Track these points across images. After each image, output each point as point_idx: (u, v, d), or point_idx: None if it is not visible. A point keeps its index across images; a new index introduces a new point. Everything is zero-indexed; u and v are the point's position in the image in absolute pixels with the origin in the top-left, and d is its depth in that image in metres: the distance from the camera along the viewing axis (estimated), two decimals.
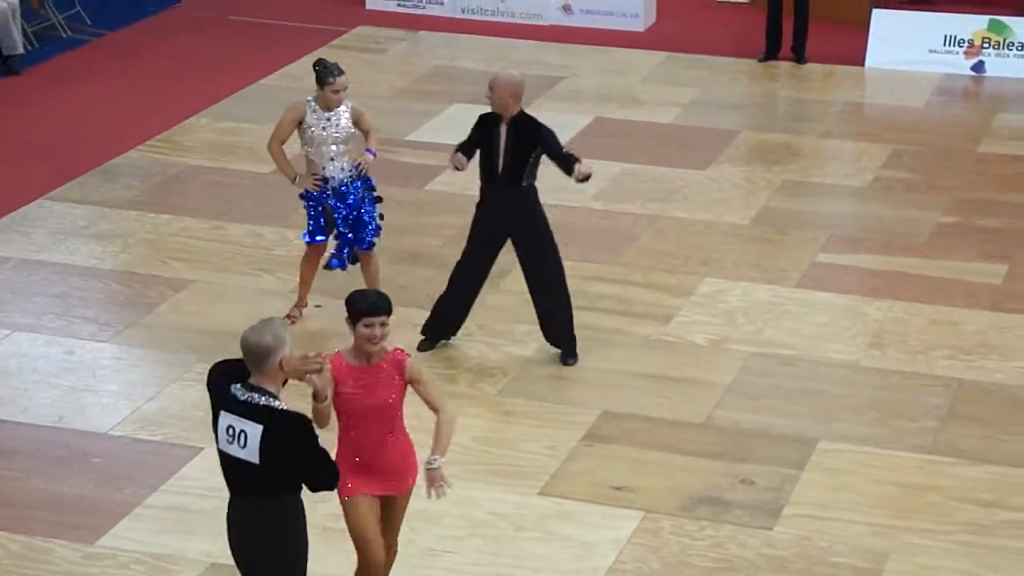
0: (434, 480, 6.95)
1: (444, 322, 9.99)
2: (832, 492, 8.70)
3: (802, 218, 11.83)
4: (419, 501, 7.24)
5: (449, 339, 10.00)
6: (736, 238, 11.51)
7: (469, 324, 10.27)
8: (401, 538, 7.99)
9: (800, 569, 8.05)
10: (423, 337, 9.98)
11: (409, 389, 7.02)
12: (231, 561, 8.00)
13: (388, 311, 6.96)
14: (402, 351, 7.07)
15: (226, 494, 8.52)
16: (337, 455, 6.92)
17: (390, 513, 7.18)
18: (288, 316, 10.20)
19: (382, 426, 6.98)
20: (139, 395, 9.52)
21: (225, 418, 6.45)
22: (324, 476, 6.52)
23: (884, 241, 11.46)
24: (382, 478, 7.07)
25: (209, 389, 6.61)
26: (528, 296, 9.89)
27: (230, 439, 6.43)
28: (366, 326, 6.92)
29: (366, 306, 6.94)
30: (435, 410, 7.06)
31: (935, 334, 10.26)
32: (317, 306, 10.46)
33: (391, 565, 7.25)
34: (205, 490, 8.59)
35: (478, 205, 9.76)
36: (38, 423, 9.22)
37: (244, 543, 6.54)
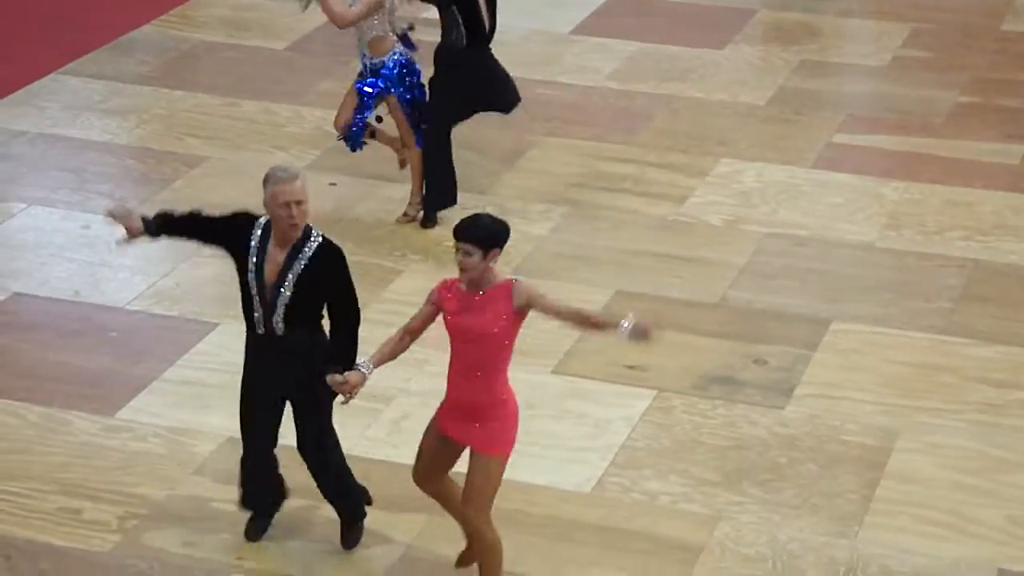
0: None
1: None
2: (844, 372, 8.75)
3: (819, 98, 11.77)
4: (436, 380, 7.26)
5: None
6: (752, 118, 11.46)
7: (485, 205, 10.26)
8: (414, 410, 8.06)
9: (811, 447, 8.11)
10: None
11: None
12: None
13: (474, 239, 6.50)
14: (511, 280, 6.63)
15: (240, 371, 8.62)
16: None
17: (470, 474, 6.69)
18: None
19: (474, 360, 6.59)
20: (154, 271, 9.55)
21: None
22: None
23: (901, 121, 11.41)
24: (459, 419, 6.67)
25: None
26: (544, 174, 9.87)
27: None
28: (455, 250, 6.58)
29: (455, 229, 6.57)
30: (577, 311, 6.71)
31: (951, 215, 10.25)
32: (332, 184, 10.46)
33: (479, 545, 6.77)
34: (221, 365, 8.65)
35: None
36: (55, 297, 9.27)
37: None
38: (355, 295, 6.92)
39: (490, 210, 10.17)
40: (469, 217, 6.65)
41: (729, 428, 8.25)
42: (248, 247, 6.83)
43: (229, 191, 10.41)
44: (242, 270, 6.87)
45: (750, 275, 9.64)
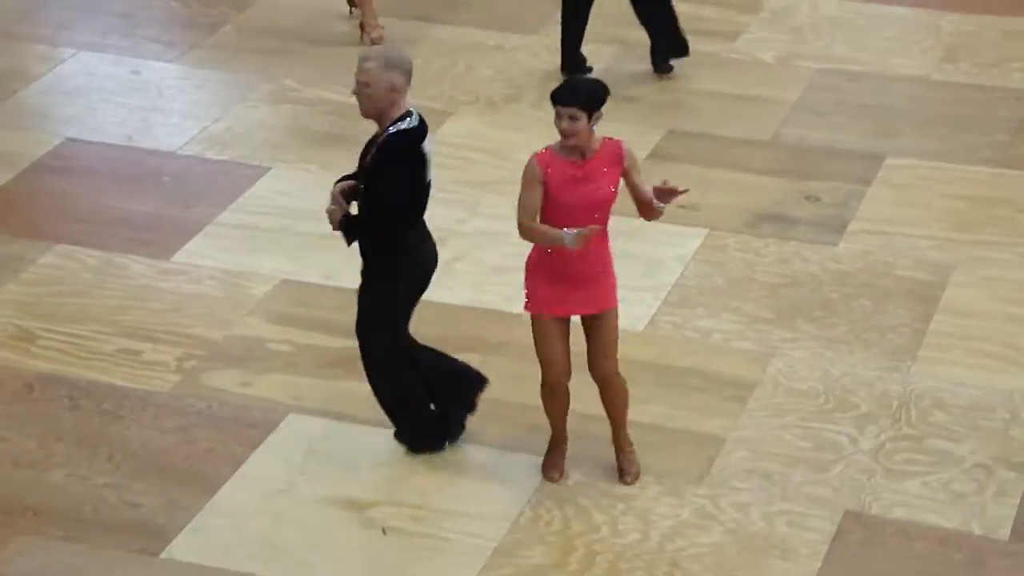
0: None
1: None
2: (898, 207, 8.71)
3: None
4: (489, 221, 7.29)
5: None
6: None
7: (535, 45, 10.22)
8: (467, 252, 8.10)
9: (863, 283, 8.10)
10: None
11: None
12: (301, 277, 8.17)
13: (579, 103, 6.29)
14: (618, 142, 6.48)
15: (295, 213, 8.67)
16: (529, 262, 6.58)
17: (597, 333, 6.56)
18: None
19: (596, 223, 6.42)
20: (205, 115, 9.56)
21: (427, 144, 6.55)
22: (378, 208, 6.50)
23: None
24: (573, 291, 6.49)
25: None
26: (592, 15, 9.79)
27: (430, 162, 6.56)
28: (557, 115, 6.34)
29: (555, 95, 6.34)
30: (649, 196, 6.47)
31: (1009, 47, 10.11)
32: (350, 10, 10.41)
33: (617, 394, 6.70)
34: (274, 209, 8.69)
35: None
36: (108, 142, 9.31)
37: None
38: (383, 200, 6.57)
39: (539, 50, 10.19)
40: (566, 82, 6.47)
41: (782, 265, 8.25)
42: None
43: (277, 34, 10.39)
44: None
45: (803, 111, 9.57)
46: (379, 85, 6.47)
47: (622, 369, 6.69)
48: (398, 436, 6.99)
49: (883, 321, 7.83)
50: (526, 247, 6.60)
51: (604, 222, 6.47)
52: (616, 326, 6.60)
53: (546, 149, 6.46)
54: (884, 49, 10.17)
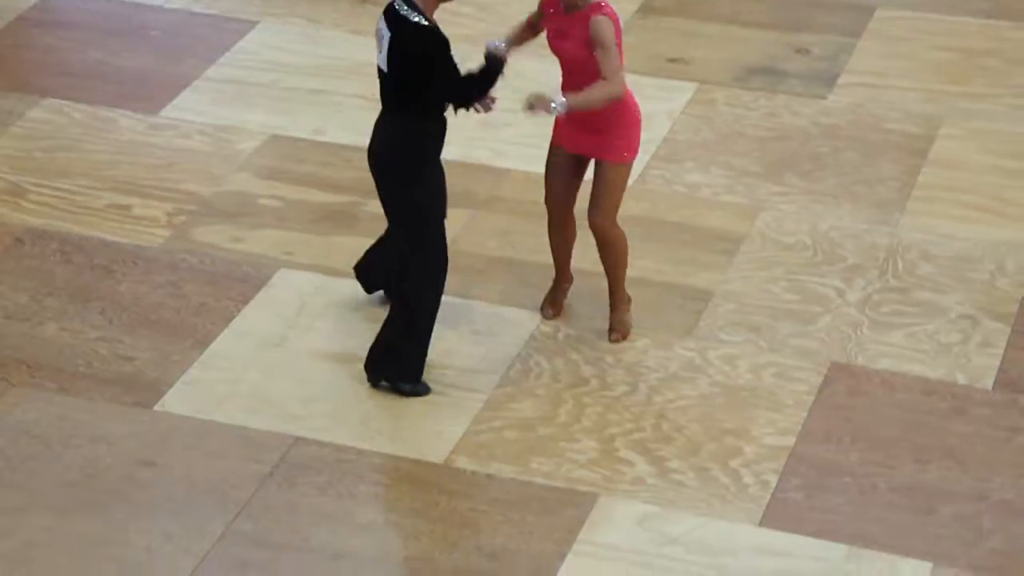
0: (539, 101, 6.25)
1: None
2: (888, 59, 8.69)
3: None
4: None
5: None
6: None
7: None
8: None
9: (853, 136, 8.11)
10: None
11: None
12: (290, 132, 8.16)
13: None
14: (602, 6, 6.31)
15: (284, 68, 8.64)
16: None
17: (594, 181, 6.61)
18: None
19: (579, 78, 6.37)
20: None
21: (379, 22, 6.29)
22: (453, 92, 6.28)
23: None
24: (575, 131, 6.55)
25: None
26: None
27: (378, 43, 6.31)
28: None
29: None
30: (597, 91, 6.29)
31: None
32: None
33: (608, 249, 6.71)
34: (262, 63, 8.66)
35: None
36: None
37: (375, 157, 6.45)
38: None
39: None
40: None
41: (771, 119, 8.25)
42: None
43: None
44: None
45: None
46: None
47: None
48: (404, 376, 6.62)
49: (872, 174, 7.86)
50: (515, 103, 6.59)
51: (582, 81, 6.37)
52: (612, 181, 6.58)
53: None
54: None
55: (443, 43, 6.24)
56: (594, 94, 6.28)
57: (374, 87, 8.43)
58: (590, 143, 6.58)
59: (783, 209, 7.62)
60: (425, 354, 6.58)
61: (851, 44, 8.80)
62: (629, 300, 6.89)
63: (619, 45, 6.37)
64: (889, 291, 7.15)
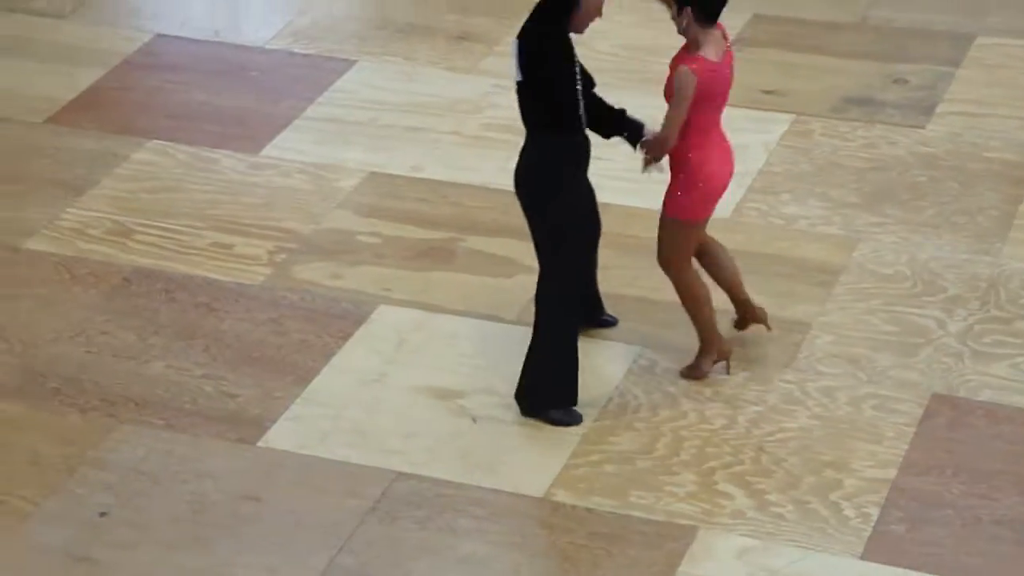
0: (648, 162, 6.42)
1: None
2: (988, 88, 8.64)
3: None
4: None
5: None
6: None
7: None
8: None
9: (952, 166, 8.07)
10: None
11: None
12: (389, 170, 8.26)
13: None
14: (696, 60, 6.23)
15: (381, 106, 8.74)
16: None
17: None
18: None
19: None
20: (291, 8, 9.62)
21: (512, 45, 6.31)
22: (560, 93, 6.16)
23: None
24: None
25: None
26: None
27: (513, 63, 6.30)
28: None
29: None
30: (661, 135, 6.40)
31: None
32: None
33: (669, 277, 6.71)
34: (360, 102, 8.76)
35: None
36: (196, 36, 9.40)
37: (515, 180, 6.39)
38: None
39: None
40: None
41: (868, 149, 8.23)
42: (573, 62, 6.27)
43: None
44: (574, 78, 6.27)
45: None
46: None
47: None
48: (548, 403, 6.61)
49: (972, 204, 7.81)
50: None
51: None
52: (664, 232, 6.55)
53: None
54: None
55: (561, 43, 6.13)
56: (671, 136, 6.35)
57: (470, 124, 8.55)
58: (666, 190, 6.57)
59: (881, 240, 7.60)
60: (570, 380, 6.56)
61: (950, 73, 8.76)
62: (720, 347, 6.74)
63: (711, 97, 6.33)
64: (991, 321, 7.10)
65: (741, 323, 6.98)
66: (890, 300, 7.24)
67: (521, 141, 6.33)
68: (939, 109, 8.48)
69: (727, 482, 6.34)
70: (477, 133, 8.43)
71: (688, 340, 6.97)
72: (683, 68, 6.28)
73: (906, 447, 6.46)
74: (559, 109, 6.25)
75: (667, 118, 6.34)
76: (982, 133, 8.29)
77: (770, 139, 8.29)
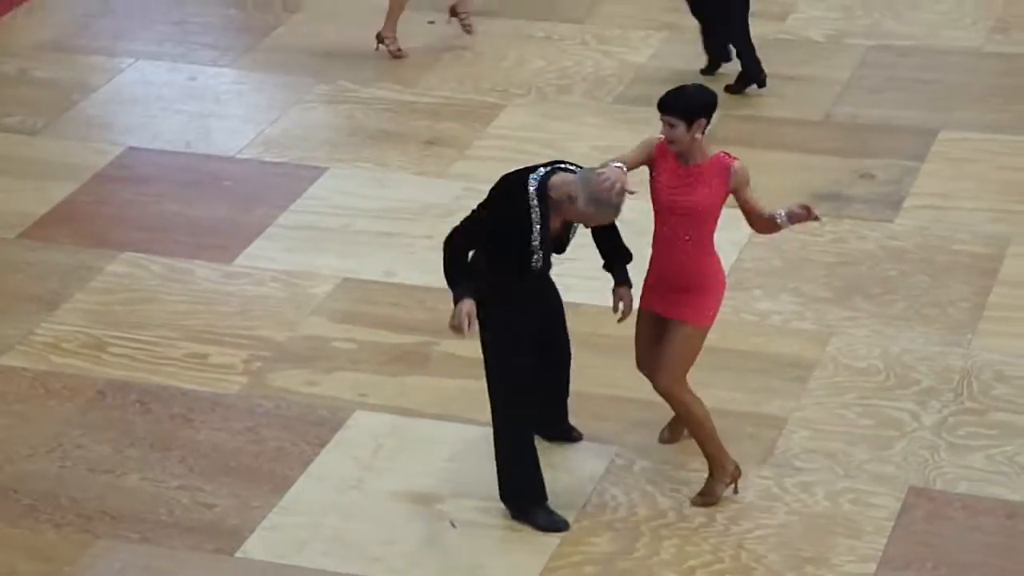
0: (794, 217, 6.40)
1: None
2: (953, 181, 8.73)
3: None
4: None
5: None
6: None
7: (584, 35, 10.30)
8: None
9: (921, 259, 8.13)
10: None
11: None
12: (362, 275, 8.28)
13: (676, 112, 6.29)
14: (728, 156, 6.41)
15: (354, 211, 8.78)
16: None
17: (666, 336, 6.52)
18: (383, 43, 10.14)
19: (682, 229, 6.39)
20: (262, 118, 9.69)
21: None
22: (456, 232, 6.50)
23: None
24: (664, 291, 6.50)
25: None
26: (639, 1, 9.83)
27: None
28: (661, 120, 6.37)
29: (659, 102, 6.36)
30: (766, 215, 6.43)
31: None
32: (430, 22, 10.49)
33: (676, 411, 6.69)
34: (332, 208, 8.81)
35: None
36: (167, 148, 9.45)
37: None
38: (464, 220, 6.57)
39: (588, 39, 10.26)
40: (674, 89, 6.43)
41: (838, 244, 8.29)
42: (529, 219, 6.38)
43: (331, 35, 10.51)
44: (525, 232, 6.38)
45: (855, 89, 9.60)
46: None
47: None
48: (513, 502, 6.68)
49: (942, 296, 7.86)
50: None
51: (699, 228, 6.41)
52: (688, 343, 6.49)
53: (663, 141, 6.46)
54: (934, 23, 10.19)
55: (503, 190, 6.35)
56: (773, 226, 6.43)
57: (442, 228, 8.53)
58: (679, 302, 6.50)
59: (854, 334, 7.63)
60: (532, 478, 6.57)
61: (915, 167, 8.85)
62: (732, 470, 6.66)
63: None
64: (965, 413, 7.12)
65: (672, 437, 6.98)
66: (864, 394, 7.26)
67: None
68: (906, 203, 8.56)
69: None
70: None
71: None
72: (739, 165, 6.40)
73: (885, 541, 6.46)
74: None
75: (756, 205, 6.42)
76: (950, 226, 8.37)
77: (740, 237, 8.34)
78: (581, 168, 6.42)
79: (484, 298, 6.47)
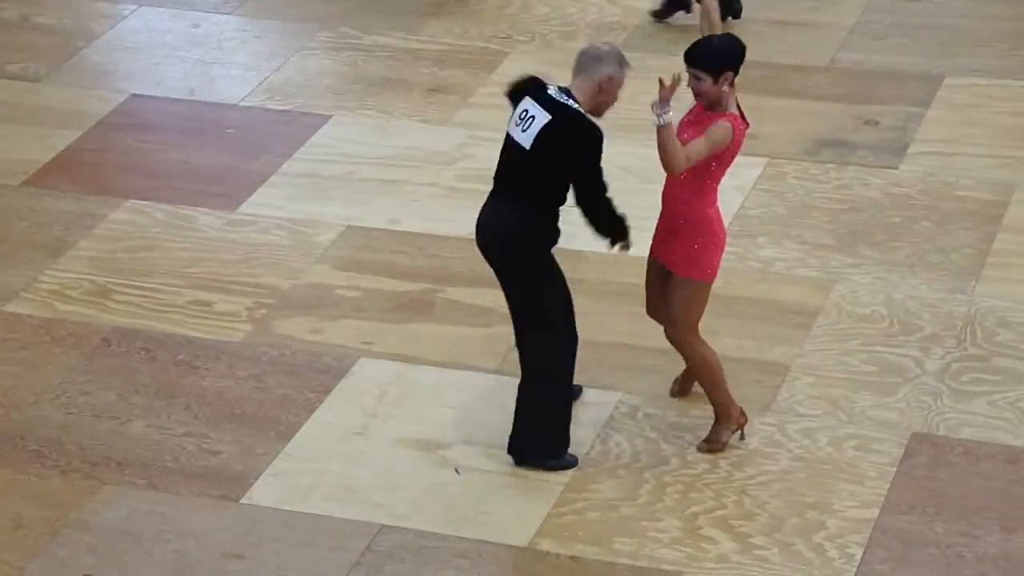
0: (656, 105, 6.07)
1: None
2: (958, 127, 8.71)
3: None
4: None
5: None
6: None
7: None
8: None
9: (926, 205, 8.13)
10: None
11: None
12: (366, 223, 8.29)
13: (702, 65, 6.20)
14: (735, 117, 6.26)
15: (358, 159, 8.78)
16: None
17: (668, 290, 6.55)
18: None
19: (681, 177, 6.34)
20: (266, 66, 9.67)
21: (525, 103, 6.31)
22: (594, 196, 6.26)
23: None
24: (663, 235, 6.50)
25: (522, 86, 6.42)
26: None
27: (518, 121, 6.28)
28: (687, 72, 6.27)
29: (685, 54, 6.27)
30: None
31: None
32: None
33: (686, 362, 6.68)
34: (337, 156, 8.80)
35: None
36: (171, 96, 9.43)
37: (495, 248, 6.42)
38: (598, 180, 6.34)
39: None
40: (699, 40, 6.36)
41: (842, 191, 8.28)
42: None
43: None
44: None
45: (859, 35, 9.57)
46: None
47: None
48: (548, 454, 6.66)
49: (946, 242, 7.86)
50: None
51: (694, 172, 6.33)
52: (682, 296, 6.49)
53: None
54: None
55: (600, 140, 6.24)
56: (674, 145, 6.18)
57: (445, 175, 8.59)
58: (667, 251, 6.51)
59: (857, 281, 7.64)
60: (564, 430, 6.59)
61: (920, 114, 8.83)
62: (738, 416, 6.67)
63: (733, 156, 6.34)
64: (968, 359, 7.14)
65: (682, 390, 6.98)
66: (868, 340, 7.27)
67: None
68: (911, 150, 8.55)
69: (711, 526, 6.35)
70: (453, 184, 8.48)
71: (668, 385, 7.00)
72: (725, 122, 6.25)
73: (888, 487, 6.48)
74: (564, 197, 6.31)
75: (693, 148, 6.23)
76: (954, 172, 8.36)
77: (744, 183, 8.34)
78: (555, 85, 6.35)
79: (539, 248, 6.39)
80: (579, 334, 6.56)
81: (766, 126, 8.71)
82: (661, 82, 6.09)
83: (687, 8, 9.69)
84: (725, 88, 6.29)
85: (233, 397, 7.14)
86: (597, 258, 7.60)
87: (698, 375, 6.69)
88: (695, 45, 6.33)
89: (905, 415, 6.84)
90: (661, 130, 6.12)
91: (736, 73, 6.31)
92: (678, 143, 6.21)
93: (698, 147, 6.25)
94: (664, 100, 6.09)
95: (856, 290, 7.58)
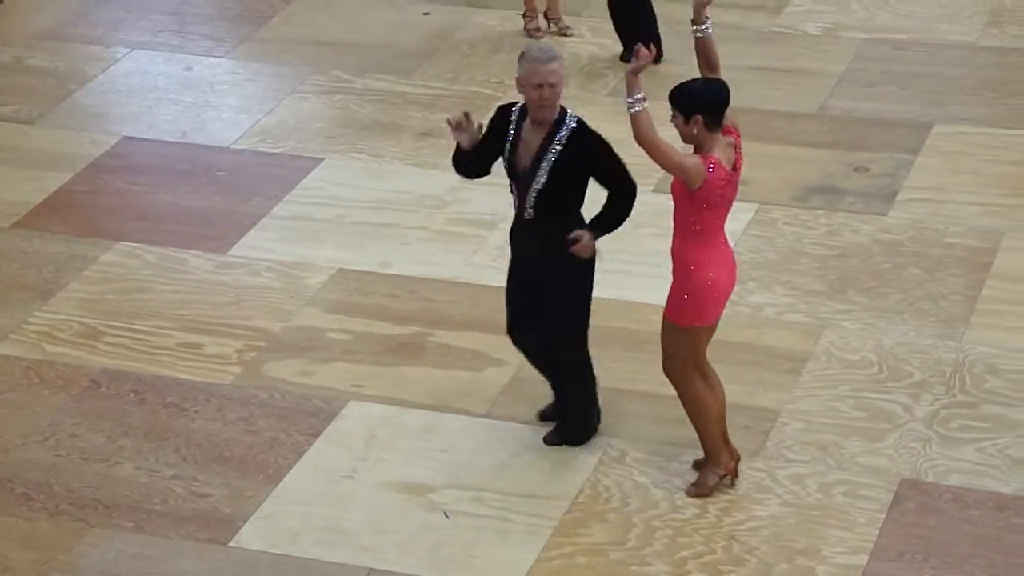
0: (629, 79, 6.23)
1: None
2: (947, 175, 8.74)
3: None
4: None
5: None
6: None
7: (579, 26, 10.32)
8: None
9: (915, 252, 8.15)
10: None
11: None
12: (357, 266, 8.29)
13: (675, 103, 6.30)
14: (715, 161, 6.26)
15: (349, 202, 8.79)
16: None
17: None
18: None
19: (676, 214, 6.44)
20: (258, 109, 9.70)
21: (506, 122, 6.68)
22: (627, 178, 6.62)
23: None
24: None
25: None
26: None
27: (507, 146, 6.65)
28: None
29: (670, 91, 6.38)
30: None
31: None
32: (425, 13, 10.51)
33: (667, 376, 6.66)
34: (328, 199, 8.82)
35: None
36: (163, 139, 9.45)
37: (539, 265, 6.74)
38: (623, 169, 6.61)
39: (583, 31, 10.25)
40: (690, 79, 6.43)
41: (832, 237, 8.30)
42: (506, 132, 6.66)
43: (326, 25, 10.52)
44: (502, 153, 6.67)
45: (849, 83, 9.62)
46: (560, 83, 6.58)
47: None
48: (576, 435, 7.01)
49: (935, 289, 7.88)
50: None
51: (680, 218, 6.40)
52: (666, 336, 6.54)
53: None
54: (929, 16, 10.20)
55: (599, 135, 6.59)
56: (648, 135, 6.21)
57: (437, 219, 8.60)
58: (670, 287, 6.56)
59: (847, 327, 7.65)
60: (597, 415, 7.03)
61: (909, 161, 8.86)
62: (729, 459, 6.66)
63: (722, 203, 6.36)
64: (957, 406, 7.15)
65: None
66: (857, 386, 7.28)
67: (487, 234, 6.36)
68: (900, 196, 8.58)
69: (700, 572, 6.34)
70: (444, 228, 8.49)
71: (657, 428, 7.00)
72: (696, 160, 6.27)
73: (877, 533, 6.48)
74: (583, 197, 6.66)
75: (668, 147, 6.25)
76: (943, 219, 8.38)
77: (735, 228, 8.34)
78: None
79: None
80: None
81: (756, 172, 8.74)
82: (637, 52, 6.22)
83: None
84: (695, 131, 6.30)
85: (222, 440, 7.13)
86: (607, 304, 7.60)
87: (688, 411, 6.68)
88: (681, 83, 6.40)
89: (894, 461, 6.84)
90: (635, 116, 6.22)
91: (710, 119, 6.30)
92: (655, 132, 6.25)
93: (673, 150, 6.27)
94: (633, 85, 6.20)
95: (846, 336, 7.59)
